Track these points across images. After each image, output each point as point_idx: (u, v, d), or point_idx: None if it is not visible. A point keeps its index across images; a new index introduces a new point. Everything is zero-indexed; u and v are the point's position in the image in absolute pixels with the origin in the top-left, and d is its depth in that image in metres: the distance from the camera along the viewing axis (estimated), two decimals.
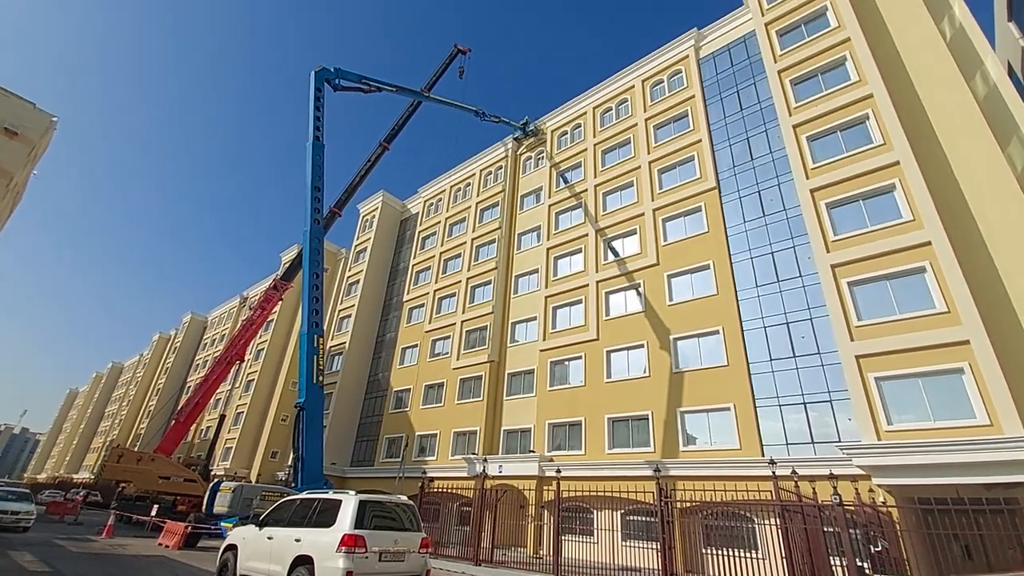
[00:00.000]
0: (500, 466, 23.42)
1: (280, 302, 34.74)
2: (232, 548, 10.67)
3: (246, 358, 37.96)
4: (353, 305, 41.15)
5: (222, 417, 43.45)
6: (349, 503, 8.73)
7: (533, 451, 23.87)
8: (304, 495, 10.51)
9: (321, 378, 17.00)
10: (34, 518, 18.09)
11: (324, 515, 8.92)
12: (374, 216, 45.54)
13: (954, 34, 20.93)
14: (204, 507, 23.90)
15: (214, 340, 67.63)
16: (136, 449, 33.27)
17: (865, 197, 18.21)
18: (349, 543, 8.03)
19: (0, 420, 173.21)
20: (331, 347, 39.81)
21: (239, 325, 43.51)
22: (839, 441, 16.28)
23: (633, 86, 30.38)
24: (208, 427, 51.30)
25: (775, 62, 22.72)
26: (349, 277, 44.30)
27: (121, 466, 25.86)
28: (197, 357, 70.73)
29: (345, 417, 36.64)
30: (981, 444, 13.02)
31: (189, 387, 63.52)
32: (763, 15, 24.21)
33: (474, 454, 25.74)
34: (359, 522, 8.44)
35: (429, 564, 9.78)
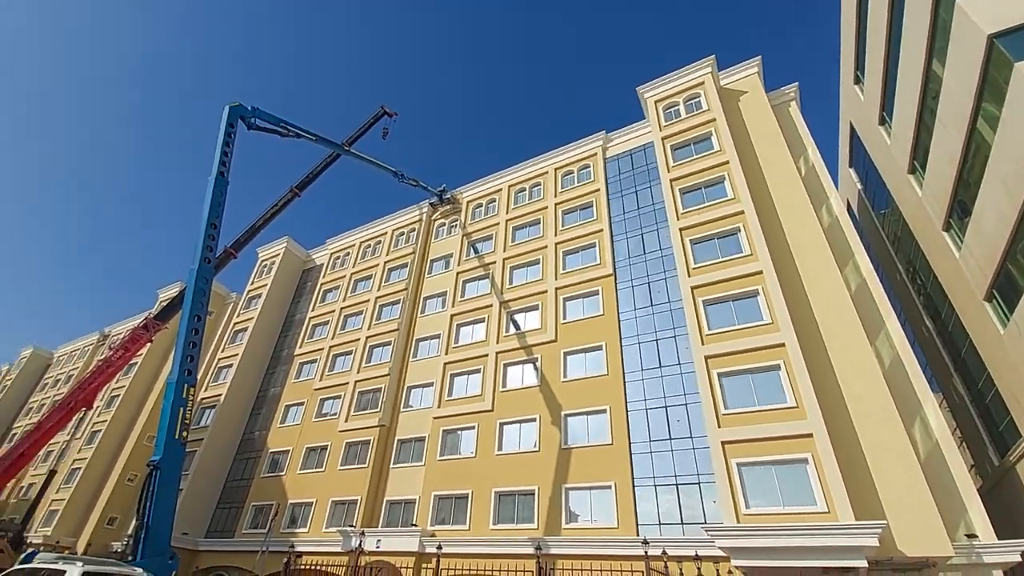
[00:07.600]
0: (378, 540, 21.79)
1: (149, 344, 30.90)
2: None
3: (95, 405, 32.86)
4: (237, 354, 37.63)
5: (51, 473, 36.60)
6: (73, 573, 8.96)
7: (415, 524, 22.55)
8: (30, 566, 10.07)
9: (185, 434, 15.21)
10: None
11: None
12: (274, 262, 43.19)
13: (807, 171, 25.35)
14: None
15: (57, 381, 57.86)
16: None
17: (734, 299, 20.44)
18: None
19: None
20: (203, 398, 35.77)
21: (93, 366, 37.89)
22: (704, 523, 17.08)
23: (546, 172, 32.98)
24: (31, 484, 42.71)
25: (668, 171, 25.83)
26: (236, 324, 40.77)
27: None
28: (32, 399, 59.70)
29: (208, 480, 32.25)
30: (819, 530, 14.02)
31: (15, 435, 53.24)
32: (660, 130, 27.78)
33: (351, 526, 23.74)
34: None
35: None
